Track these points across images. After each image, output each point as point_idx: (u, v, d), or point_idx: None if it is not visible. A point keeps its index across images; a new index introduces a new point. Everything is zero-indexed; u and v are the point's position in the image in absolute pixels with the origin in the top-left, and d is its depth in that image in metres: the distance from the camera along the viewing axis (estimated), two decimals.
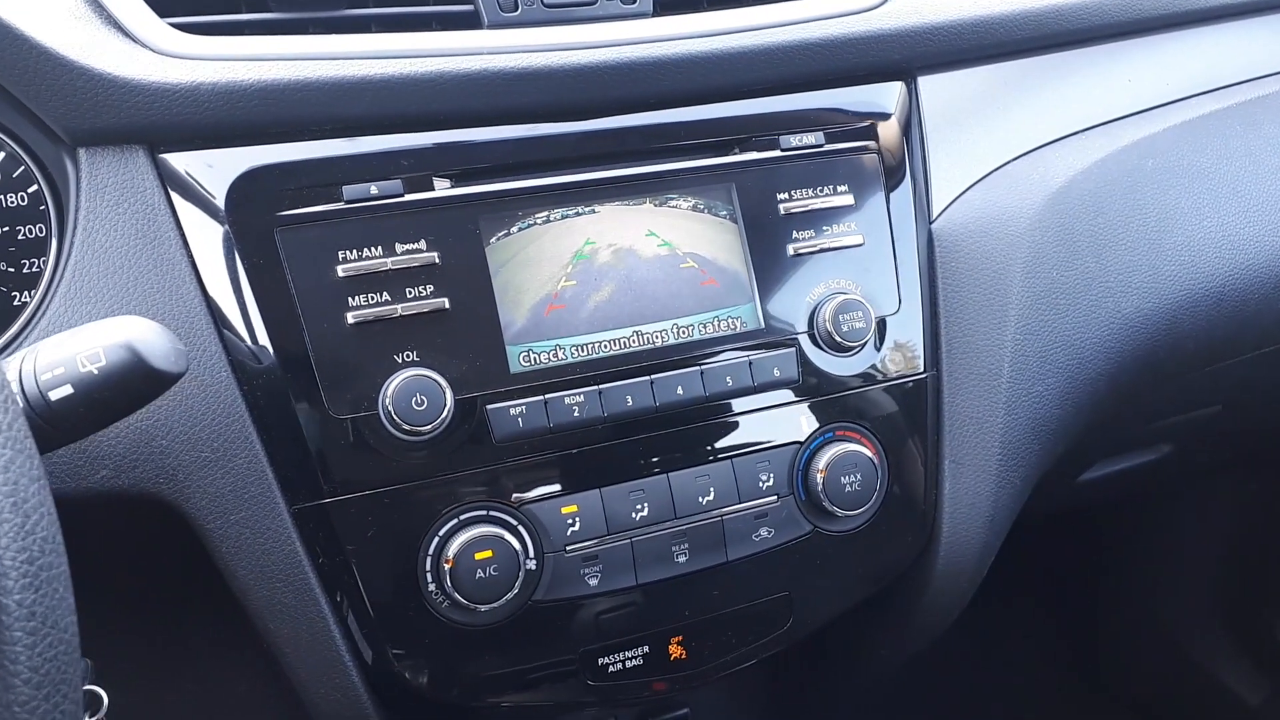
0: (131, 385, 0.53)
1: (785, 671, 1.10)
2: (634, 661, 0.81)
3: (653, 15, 0.84)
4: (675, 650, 0.82)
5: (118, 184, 0.72)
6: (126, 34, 0.73)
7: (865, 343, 0.84)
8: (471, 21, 0.80)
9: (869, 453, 0.84)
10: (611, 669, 0.80)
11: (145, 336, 0.53)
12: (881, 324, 0.86)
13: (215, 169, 0.73)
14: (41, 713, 0.35)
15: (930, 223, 0.91)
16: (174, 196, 0.73)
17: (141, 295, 0.71)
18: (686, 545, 0.80)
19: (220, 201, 0.72)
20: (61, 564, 0.38)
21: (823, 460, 0.83)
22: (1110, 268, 0.96)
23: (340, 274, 0.73)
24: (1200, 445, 1.29)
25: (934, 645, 1.05)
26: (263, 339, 0.72)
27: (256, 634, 0.74)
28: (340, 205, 0.74)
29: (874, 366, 0.86)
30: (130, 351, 0.53)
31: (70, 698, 0.37)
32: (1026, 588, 1.88)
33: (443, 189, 0.77)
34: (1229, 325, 1.02)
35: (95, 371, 0.52)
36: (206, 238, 0.73)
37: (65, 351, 0.52)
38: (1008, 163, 0.96)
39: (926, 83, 0.94)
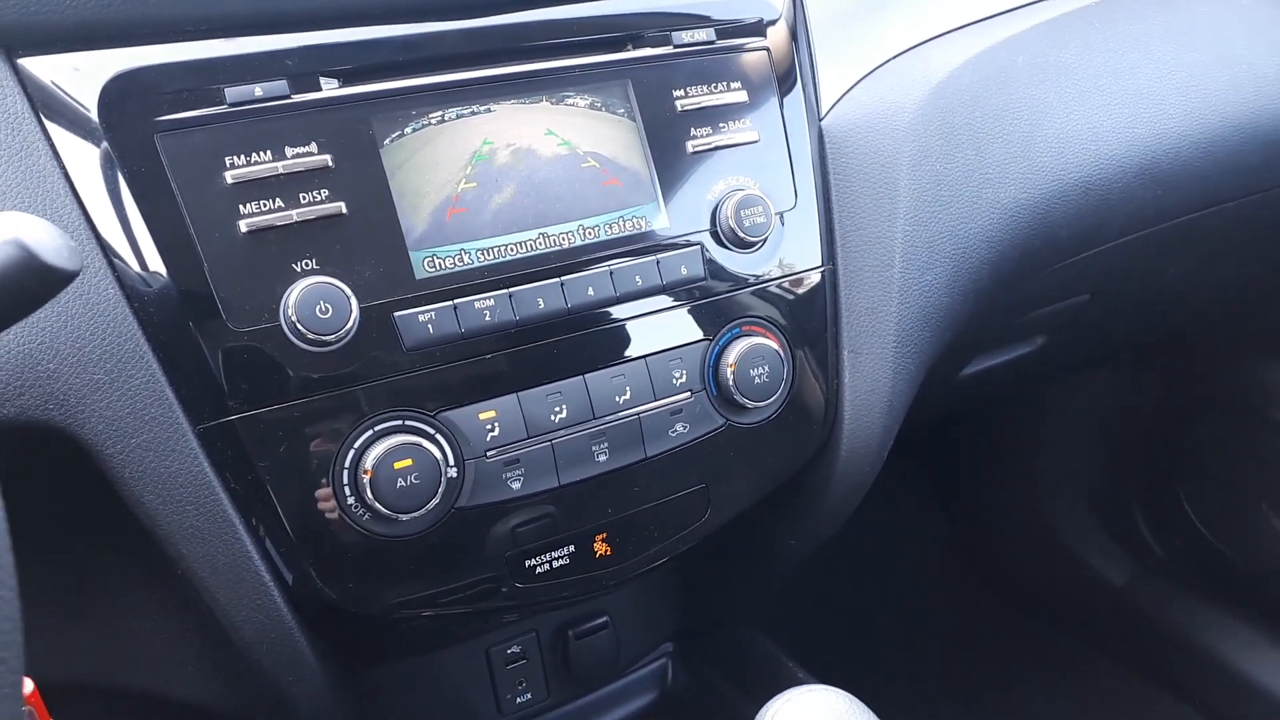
0: (25, 285, 0.49)
1: (696, 572, 1.13)
2: (561, 561, 0.81)
3: None
4: (600, 548, 0.83)
5: None
6: None
7: (766, 238, 0.85)
8: None
9: (774, 345, 0.86)
10: (539, 570, 0.81)
11: (34, 232, 0.50)
12: (780, 219, 0.87)
13: (83, 73, 0.68)
14: None
15: (820, 119, 0.93)
16: (39, 105, 0.68)
17: (11, 209, 0.66)
18: (606, 444, 0.80)
19: (93, 108, 0.68)
20: None
21: (732, 355, 0.84)
22: (989, 160, 1.00)
23: (229, 180, 0.70)
24: (1070, 336, 1.37)
25: (833, 540, 1.09)
26: (150, 252, 0.68)
27: (169, 562, 0.71)
28: (224, 109, 0.70)
29: (775, 262, 0.87)
30: (20, 248, 0.49)
31: (15, 654, 0.34)
32: (917, 486, 1.97)
33: (331, 89, 0.74)
34: (1096, 213, 1.08)
35: None
36: (80, 147, 0.68)
37: None
38: (890, 60, 0.99)
39: None
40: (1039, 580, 1.95)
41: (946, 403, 1.50)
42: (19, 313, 0.52)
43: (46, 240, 0.50)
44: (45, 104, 0.68)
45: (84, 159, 0.68)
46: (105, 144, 0.68)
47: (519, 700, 1.06)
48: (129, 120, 0.68)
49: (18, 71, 0.68)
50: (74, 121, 0.68)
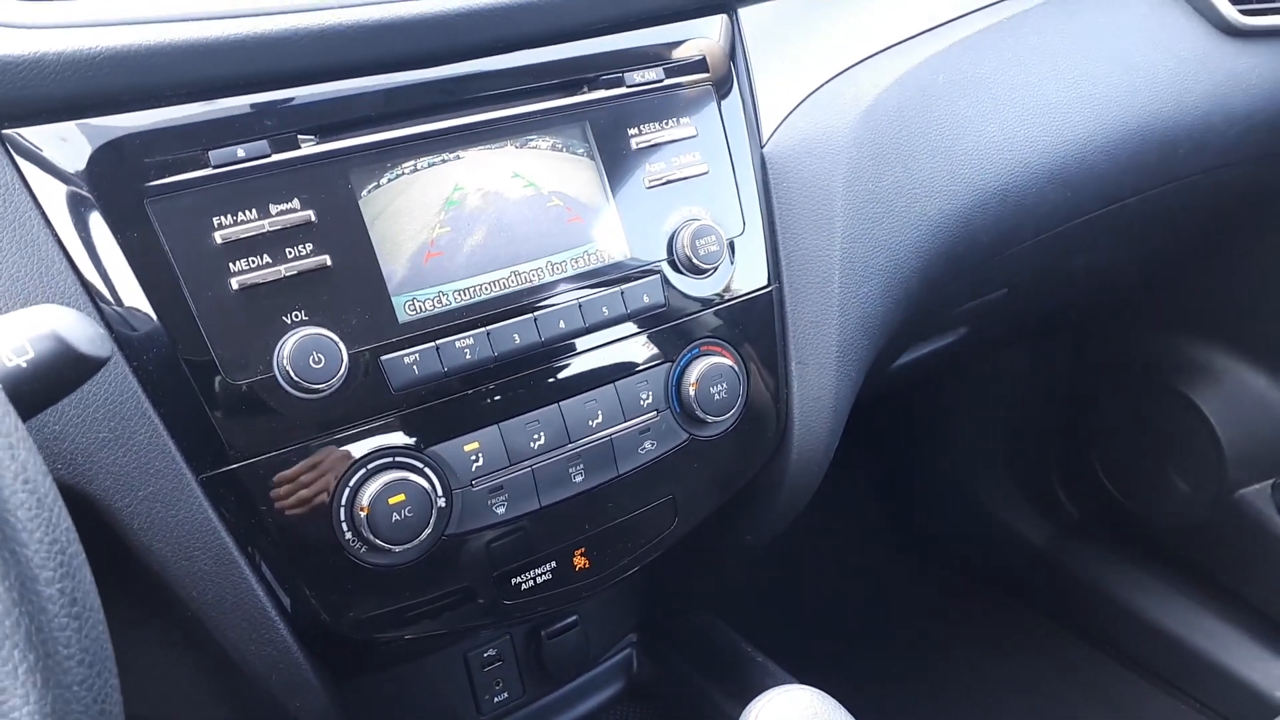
0: (62, 374, 0.53)
1: (659, 570, 1.19)
2: (544, 576, 0.87)
3: None
4: (579, 561, 0.89)
5: None
6: None
7: (719, 265, 0.92)
8: None
9: (730, 363, 0.93)
10: (524, 586, 0.86)
11: (69, 323, 0.53)
12: (731, 245, 0.93)
13: (70, 143, 0.70)
14: (97, 688, 0.37)
15: (762, 147, 0.99)
16: (28, 174, 0.70)
17: (7, 281, 0.69)
18: (582, 466, 0.86)
19: (82, 176, 0.70)
20: (80, 546, 0.40)
21: (693, 374, 0.90)
22: (916, 175, 1.07)
23: (219, 240, 0.73)
24: (991, 325, 1.47)
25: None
26: (147, 313, 0.71)
27: (180, 603, 0.74)
28: (209, 171, 0.73)
29: (728, 285, 0.94)
30: (58, 340, 0.53)
31: (112, 670, 0.39)
32: (851, 466, 2.07)
33: (309, 145, 0.77)
34: (1013, 217, 1.16)
35: (24, 365, 0.52)
36: (71, 215, 0.70)
37: None
38: (823, 84, 1.05)
39: (746, 13, 1.01)
40: (966, 544, 2.07)
41: (878, 391, 1.59)
42: (56, 397, 0.55)
43: (80, 331, 0.54)
44: (34, 174, 0.70)
45: (76, 226, 0.70)
46: (96, 211, 0.70)
47: (496, 700, 1.12)
48: (119, 187, 0.71)
49: (5, 143, 0.70)
50: (64, 190, 0.70)
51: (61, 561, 0.38)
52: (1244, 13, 1.32)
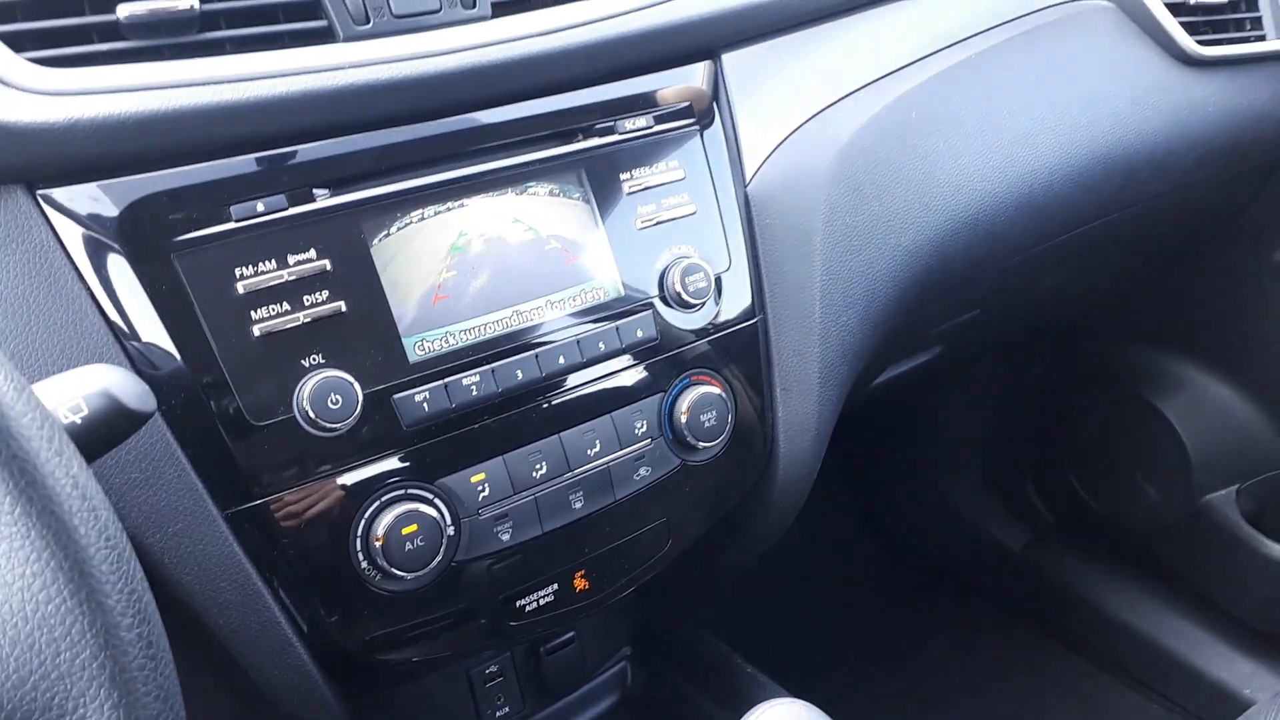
0: (114, 428, 0.58)
1: (652, 587, 1.25)
2: (546, 599, 0.92)
3: (491, 18, 0.91)
4: (580, 583, 0.94)
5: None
6: None
7: (707, 299, 0.97)
8: (326, 36, 0.84)
9: (719, 391, 0.98)
10: (528, 608, 0.91)
11: (119, 381, 0.58)
12: (718, 280, 0.99)
13: (100, 201, 0.75)
14: None
15: (745, 186, 1.04)
16: (60, 231, 0.75)
17: (45, 333, 0.73)
18: (581, 493, 0.91)
19: (112, 233, 0.75)
20: (151, 595, 0.45)
21: (684, 403, 0.96)
22: (891, 208, 1.13)
23: (241, 290, 0.78)
24: (964, 343, 1.53)
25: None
26: (175, 360, 0.76)
27: (207, 632, 0.79)
28: (231, 225, 0.78)
29: (715, 318, 0.99)
30: (109, 398, 0.57)
31: (180, 702, 0.44)
32: (834, 478, 2.13)
33: (323, 198, 0.82)
34: (984, 244, 1.22)
35: (79, 421, 0.56)
36: (103, 269, 0.75)
37: (46, 405, 0.56)
38: (803, 124, 1.11)
39: (729, 59, 1.06)
40: (945, 550, 2.13)
41: (859, 408, 1.65)
42: (106, 449, 0.60)
43: (129, 389, 0.59)
44: (68, 230, 0.75)
45: (107, 280, 0.75)
46: (126, 265, 0.75)
47: (498, 715, 1.17)
48: (147, 242, 0.76)
49: (39, 202, 0.75)
50: (96, 244, 0.75)
51: (138, 610, 0.43)
52: (1201, 43, 1.39)
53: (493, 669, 1.15)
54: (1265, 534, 1.72)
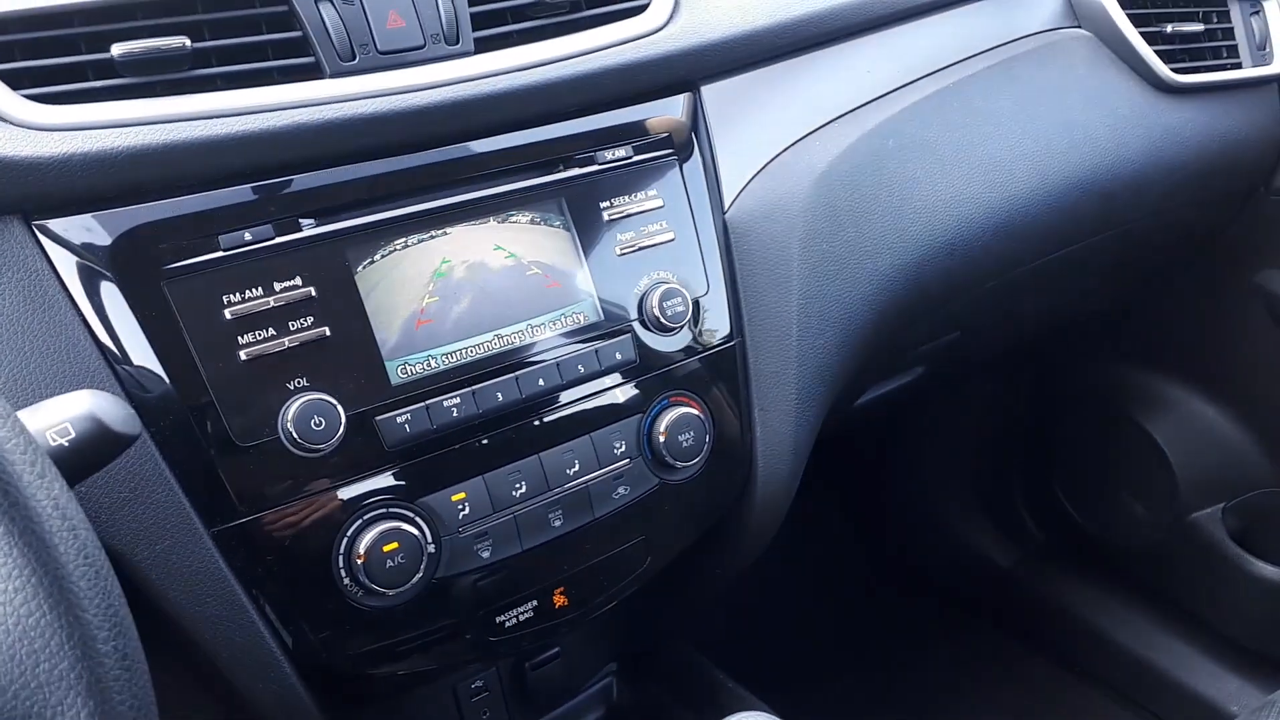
0: (99, 451, 0.60)
1: (635, 604, 1.27)
2: (526, 615, 0.95)
3: (474, 54, 0.94)
4: (559, 600, 0.97)
5: None
6: None
7: (685, 323, 1.00)
8: (314, 72, 0.87)
9: (697, 412, 1.01)
10: (508, 624, 0.94)
11: (105, 406, 0.61)
12: (696, 304, 1.02)
13: (94, 231, 0.78)
14: None
15: (724, 213, 1.07)
16: (55, 260, 0.78)
17: (40, 357, 0.76)
18: (560, 512, 0.94)
19: (105, 262, 0.78)
20: (128, 609, 0.48)
21: (662, 424, 0.98)
22: (868, 234, 1.16)
23: (228, 316, 0.81)
24: (947, 364, 1.55)
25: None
26: (165, 384, 0.79)
27: (192, 646, 0.82)
28: (220, 254, 0.81)
29: (693, 341, 1.02)
30: (95, 421, 0.60)
31: (154, 712, 0.47)
32: (823, 495, 2.16)
33: (309, 227, 0.85)
34: (961, 269, 1.25)
35: (66, 444, 0.59)
36: (96, 296, 0.78)
37: (34, 429, 0.59)
38: (781, 153, 1.14)
39: (708, 91, 1.10)
40: (934, 567, 2.14)
41: (845, 428, 1.67)
42: (92, 471, 0.63)
43: (114, 413, 0.62)
44: (62, 259, 0.78)
45: (100, 307, 0.78)
46: (118, 292, 0.78)
47: None
48: (138, 270, 0.79)
49: (34, 232, 0.78)
50: (89, 273, 0.78)
51: (115, 623, 0.46)
52: (1177, 70, 1.42)
53: (478, 683, 1.18)
54: (1250, 551, 1.74)
